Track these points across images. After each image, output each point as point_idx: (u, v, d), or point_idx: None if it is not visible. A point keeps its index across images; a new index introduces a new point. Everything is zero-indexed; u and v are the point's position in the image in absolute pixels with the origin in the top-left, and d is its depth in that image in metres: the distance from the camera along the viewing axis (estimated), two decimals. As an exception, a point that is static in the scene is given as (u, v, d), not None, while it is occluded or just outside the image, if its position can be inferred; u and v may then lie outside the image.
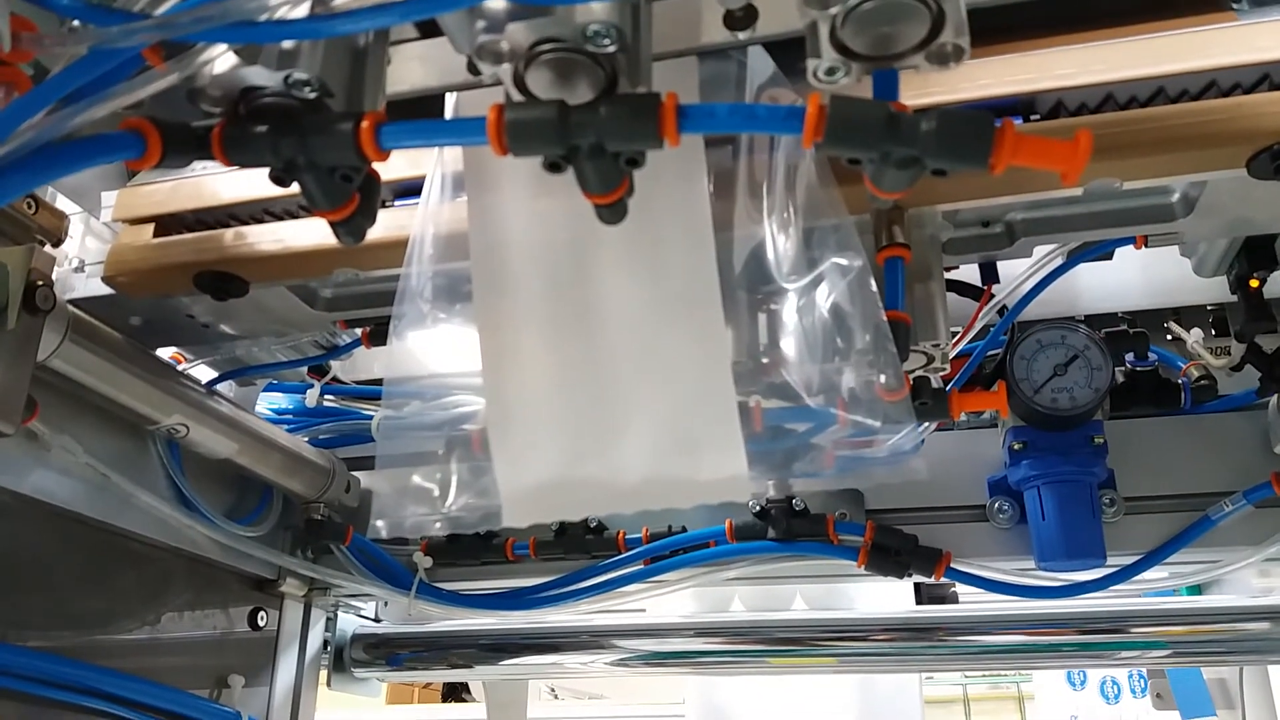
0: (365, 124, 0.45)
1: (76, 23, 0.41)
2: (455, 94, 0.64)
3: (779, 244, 0.68)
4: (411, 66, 0.61)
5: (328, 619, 1.36)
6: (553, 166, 0.46)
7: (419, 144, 0.48)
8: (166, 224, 0.85)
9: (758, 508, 1.08)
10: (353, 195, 0.51)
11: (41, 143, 0.40)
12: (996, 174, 0.43)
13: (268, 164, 0.48)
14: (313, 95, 0.47)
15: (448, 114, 0.64)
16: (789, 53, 0.54)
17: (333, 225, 0.52)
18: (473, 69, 0.47)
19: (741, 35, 0.50)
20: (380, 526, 0.72)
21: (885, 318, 0.68)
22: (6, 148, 0.39)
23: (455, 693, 5.09)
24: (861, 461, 0.81)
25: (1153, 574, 1.07)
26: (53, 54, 0.41)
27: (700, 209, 0.59)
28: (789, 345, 0.74)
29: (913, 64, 0.45)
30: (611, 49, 0.43)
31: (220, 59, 0.43)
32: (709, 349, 0.60)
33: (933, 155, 0.42)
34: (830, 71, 0.44)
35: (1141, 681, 3.43)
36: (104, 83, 0.41)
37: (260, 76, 0.46)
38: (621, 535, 1.15)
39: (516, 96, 0.46)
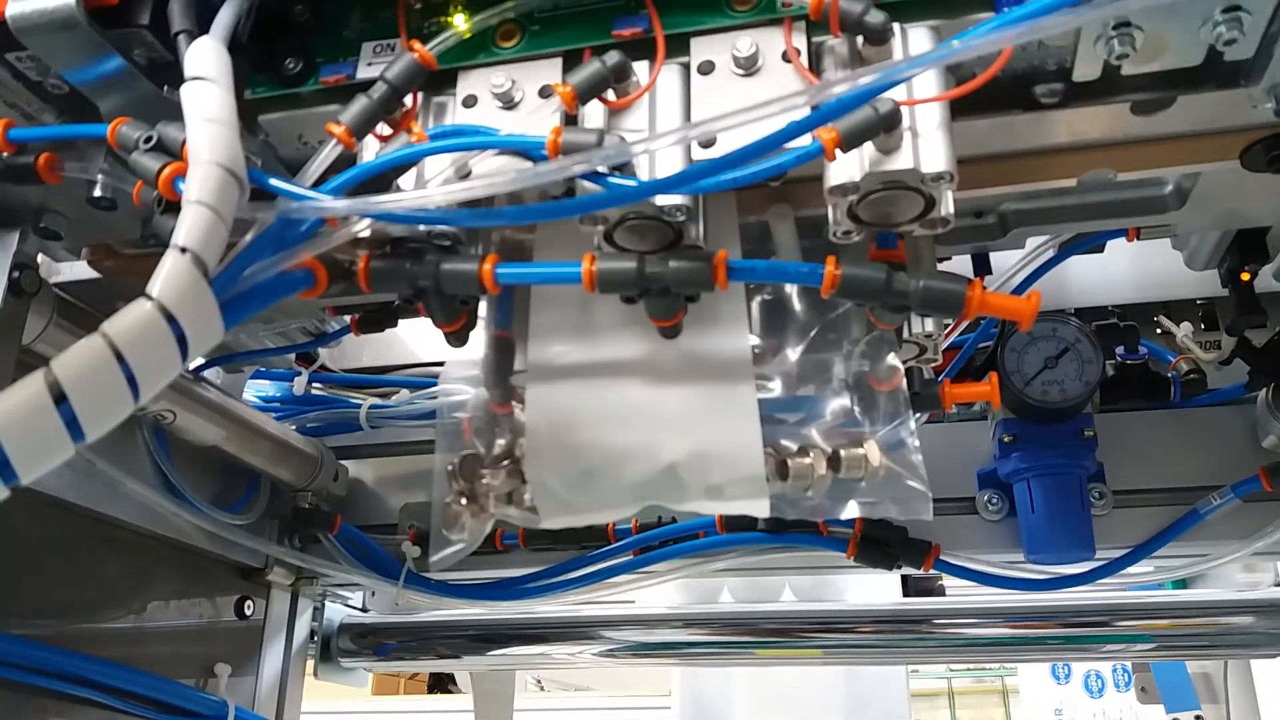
0: (487, 267, 0.56)
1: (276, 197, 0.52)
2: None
3: (774, 232, 0.68)
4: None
5: (315, 608, 1.35)
6: (628, 301, 0.60)
7: (524, 281, 0.62)
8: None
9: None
10: (466, 313, 0.64)
11: (252, 282, 0.51)
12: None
13: (402, 292, 0.59)
14: (448, 244, 0.59)
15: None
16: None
17: (446, 335, 0.66)
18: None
19: (771, 184, 0.64)
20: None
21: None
22: (234, 291, 0.50)
23: (441, 684, 5.09)
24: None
25: (1139, 567, 1.07)
26: (264, 219, 0.52)
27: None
28: (781, 334, 0.74)
29: (909, 229, 0.55)
30: (681, 219, 0.55)
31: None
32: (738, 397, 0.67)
33: (918, 307, 0.56)
34: (845, 233, 0.56)
35: (1125, 675, 3.45)
36: (293, 240, 0.53)
37: (406, 230, 0.58)
38: (611, 526, 1.15)
39: (604, 246, 0.58)
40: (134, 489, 0.96)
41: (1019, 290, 0.92)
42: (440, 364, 0.90)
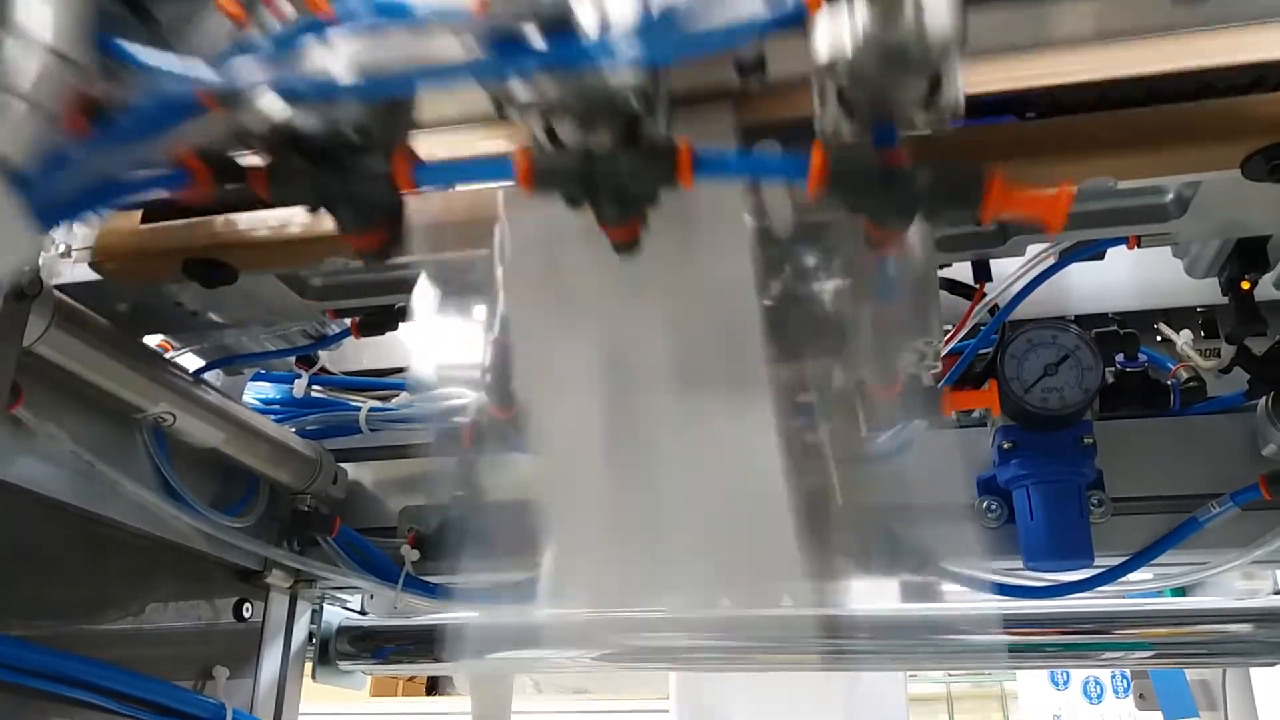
0: (403, 164, 0.48)
1: (138, 71, 0.44)
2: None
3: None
4: (440, 101, 0.61)
5: (313, 611, 1.35)
6: (571, 202, 0.49)
7: (452, 181, 0.52)
8: (155, 209, 0.84)
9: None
10: (384, 226, 0.54)
11: (102, 177, 0.44)
12: (985, 224, 0.44)
13: (308, 201, 0.51)
14: (356, 139, 0.49)
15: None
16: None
17: (362, 253, 0.55)
18: (500, 110, 0.51)
19: (752, 82, 0.52)
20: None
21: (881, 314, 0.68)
22: (72, 185, 0.42)
23: (439, 686, 5.08)
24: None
25: (1138, 575, 1.07)
26: (118, 99, 0.43)
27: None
28: (783, 342, 0.74)
29: (912, 118, 0.47)
30: (636, 105, 0.46)
31: (268, 101, 0.46)
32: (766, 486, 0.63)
33: (927, 206, 0.45)
34: (835, 125, 0.47)
35: (1124, 682, 3.44)
36: (162, 121, 0.44)
37: (305, 121, 0.48)
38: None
39: (542, 138, 0.48)
40: (133, 491, 0.96)
41: (1020, 298, 0.92)
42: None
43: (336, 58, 0.45)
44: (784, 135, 0.57)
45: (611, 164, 0.47)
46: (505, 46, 0.44)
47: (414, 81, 0.47)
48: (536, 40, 0.43)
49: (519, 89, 0.46)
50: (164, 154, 0.45)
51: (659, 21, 0.43)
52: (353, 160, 0.49)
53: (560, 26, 0.43)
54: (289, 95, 0.45)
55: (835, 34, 0.44)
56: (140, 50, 0.44)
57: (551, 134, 0.48)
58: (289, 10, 0.48)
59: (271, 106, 0.46)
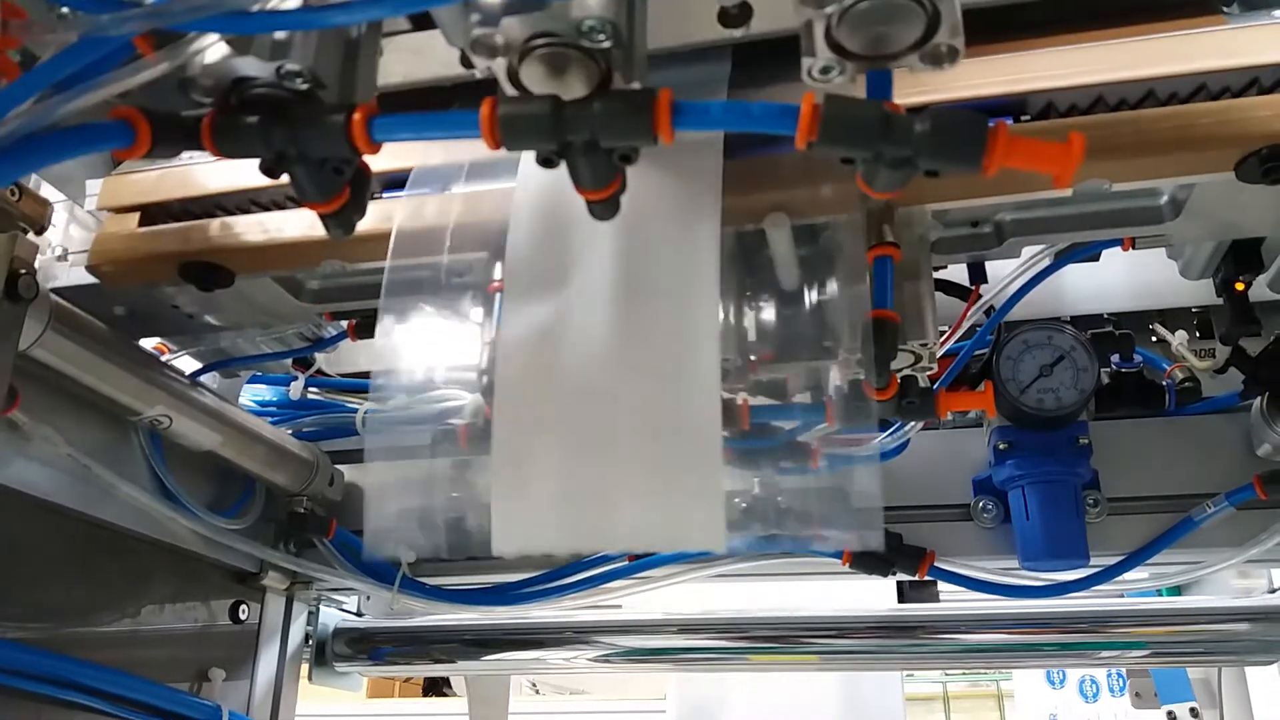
0: (357, 116, 0.45)
1: (66, 10, 0.40)
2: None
3: (770, 241, 0.68)
4: (404, 58, 0.60)
5: (310, 612, 1.35)
6: (545, 162, 0.46)
7: (411, 137, 0.48)
8: (152, 213, 0.84)
9: (744, 505, 1.08)
10: (343, 188, 0.50)
11: (30, 131, 0.40)
12: (989, 175, 0.43)
13: (258, 155, 0.47)
14: (304, 87, 0.46)
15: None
16: (783, 52, 0.54)
17: (322, 218, 0.52)
18: (465, 62, 0.47)
19: (736, 32, 0.49)
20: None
21: (872, 316, 0.68)
22: (10, 131, 0.39)
23: (436, 687, 5.08)
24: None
25: (1134, 574, 1.07)
26: (42, 41, 0.40)
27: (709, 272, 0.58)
28: (777, 343, 0.74)
29: (907, 64, 0.44)
30: (606, 44, 0.42)
31: (211, 49, 0.43)
32: (701, 412, 0.58)
33: (926, 156, 0.42)
34: (825, 70, 0.44)
35: (1120, 680, 3.45)
36: (94, 71, 0.41)
37: (252, 67, 0.45)
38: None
39: (510, 90, 0.45)
40: (129, 493, 0.96)
41: (1015, 299, 0.92)
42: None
43: None
44: (798, 235, 0.58)
45: (584, 112, 0.43)
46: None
47: (362, 9, 0.42)
48: None
49: (478, 31, 0.43)
50: (102, 105, 0.42)
51: None
52: (306, 112, 0.46)
53: None
54: (232, 34, 0.42)
55: None
56: None
57: (519, 85, 0.45)
58: None
59: (204, 46, 0.43)
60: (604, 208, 0.50)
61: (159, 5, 0.38)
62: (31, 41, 0.41)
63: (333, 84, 0.47)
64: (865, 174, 0.47)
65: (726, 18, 0.49)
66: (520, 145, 0.44)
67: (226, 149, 0.47)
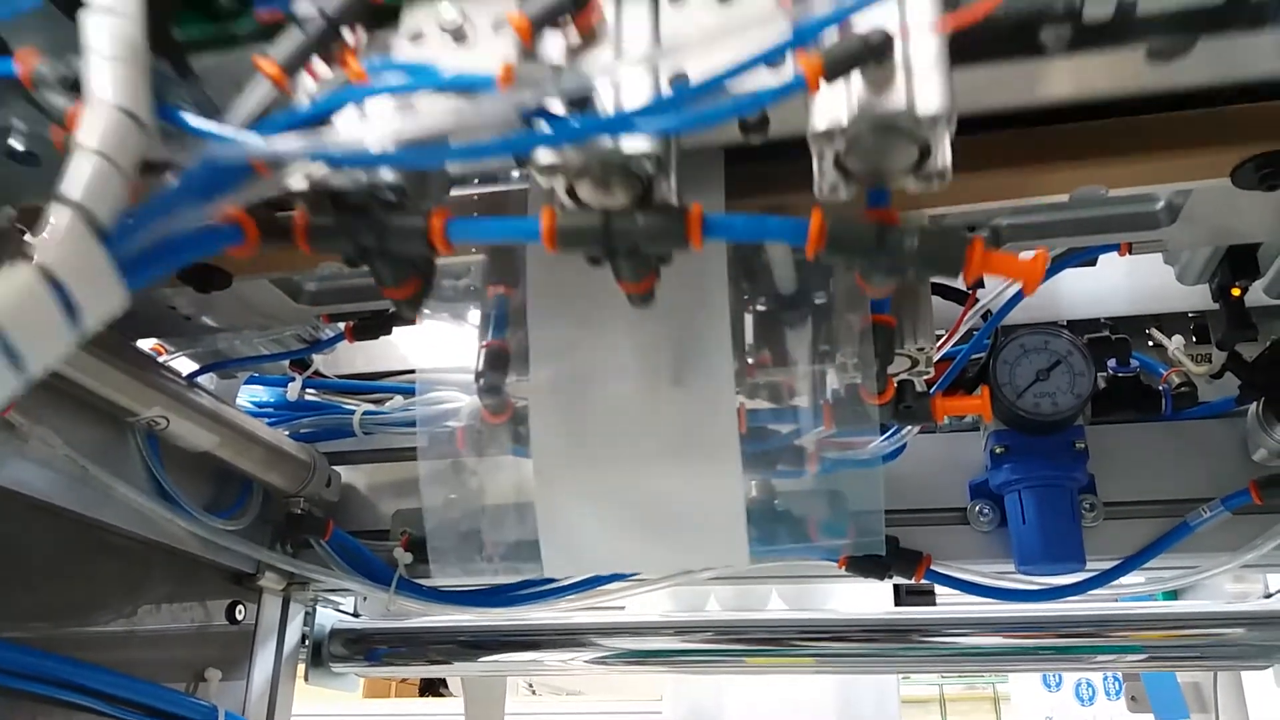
0: (436, 222, 0.50)
1: (203, 139, 0.46)
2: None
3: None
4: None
5: (306, 613, 1.35)
6: (593, 261, 0.54)
7: (481, 240, 0.57)
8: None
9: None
10: (416, 278, 0.58)
11: (165, 236, 0.45)
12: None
13: (345, 252, 0.53)
14: (392, 198, 0.52)
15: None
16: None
17: (396, 303, 0.59)
18: (520, 163, 0.55)
19: (754, 138, 0.55)
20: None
21: (870, 321, 0.68)
22: (141, 244, 0.44)
23: (433, 688, 5.08)
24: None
25: (1130, 579, 1.07)
26: (176, 161, 0.46)
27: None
28: (775, 346, 0.74)
29: (903, 184, 0.49)
30: (650, 169, 0.49)
31: (310, 166, 0.49)
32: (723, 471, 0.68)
33: (914, 266, 0.49)
34: (833, 188, 0.50)
35: (1116, 684, 3.46)
36: (219, 186, 0.47)
37: (346, 180, 0.50)
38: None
39: (565, 201, 0.51)
40: (126, 494, 0.96)
41: (1011, 304, 0.93)
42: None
43: (371, 126, 0.48)
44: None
45: (628, 225, 0.50)
46: (531, 118, 0.47)
47: (444, 156, 0.50)
48: (558, 109, 0.47)
49: (542, 154, 0.49)
50: (216, 213, 0.47)
51: (670, 100, 0.46)
52: (389, 218, 0.51)
53: (581, 103, 0.47)
54: (328, 161, 0.48)
55: (833, 106, 0.47)
56: (194, 118, 0.47)
57: (572, 193, 0.51)
58: (325, 70, 0.52)
59: (313, 170, 0.48)
60: (642, 299, 0.58)
61: (279, 147, 0.45)
62: (173, 165, 0.46)
63: (414, 193, 0.52)
64: (863, 274, 0.55)
65: (746, 127, 0.54)
66: (574, 250, 0.51)
67: (317, 247, 0.52)
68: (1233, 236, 0.80)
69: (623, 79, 0.48)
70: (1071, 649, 1.24)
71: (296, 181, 0.48)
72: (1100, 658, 1.25)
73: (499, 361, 0.74)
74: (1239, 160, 0.64)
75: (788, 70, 0.46)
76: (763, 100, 0.45)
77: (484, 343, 0.74)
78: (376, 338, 1.00)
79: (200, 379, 1.07)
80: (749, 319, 0.76)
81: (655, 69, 0.48)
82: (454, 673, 1.67)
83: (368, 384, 1.31)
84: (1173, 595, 1.32)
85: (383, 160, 0.48)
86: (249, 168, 0.47)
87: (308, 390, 1.26)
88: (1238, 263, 0.84)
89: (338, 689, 1.46)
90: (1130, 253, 0.84)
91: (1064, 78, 0.58)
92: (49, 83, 0.49)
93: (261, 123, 0.48)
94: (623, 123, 0.46)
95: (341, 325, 1.01)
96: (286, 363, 1.20)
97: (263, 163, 0.47)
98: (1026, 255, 0.49)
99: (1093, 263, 0.91)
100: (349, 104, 0.50)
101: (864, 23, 0.46)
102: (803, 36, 0.44)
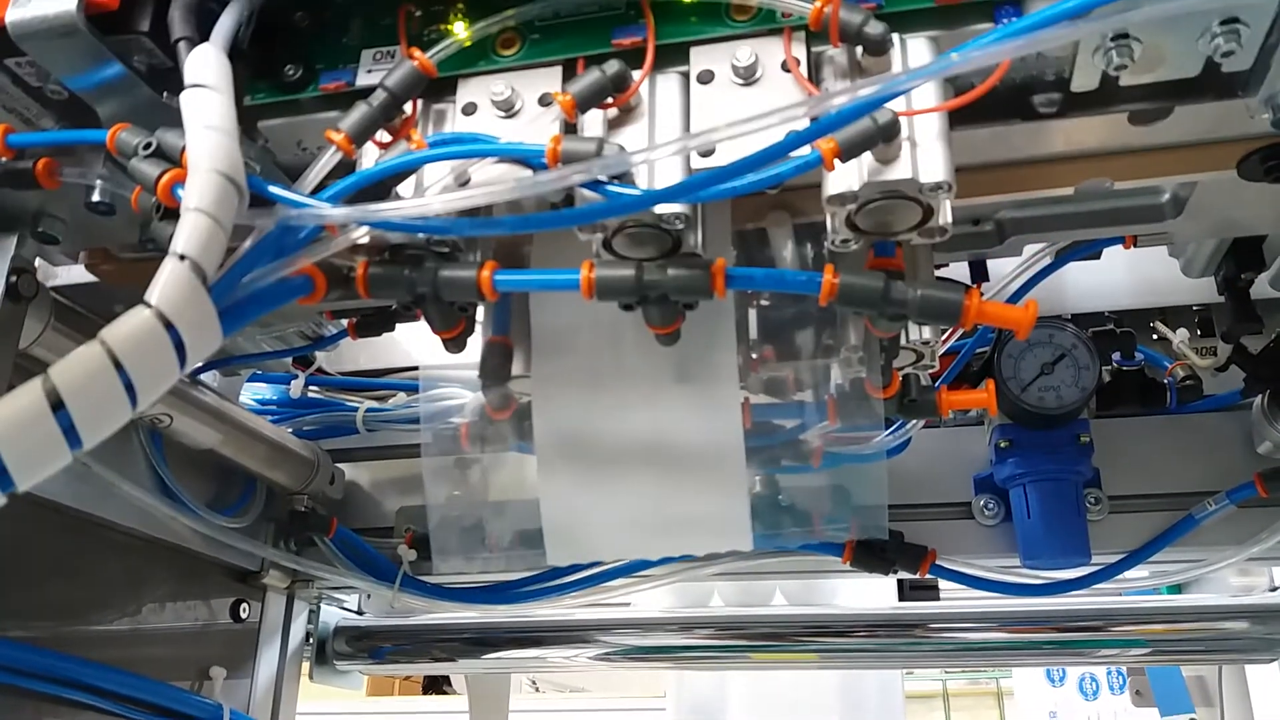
0: (485, 273, 0.56)
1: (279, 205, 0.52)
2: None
3: (772, 239, 0.68)
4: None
5: (310, 611, 1.35)
6: (626, 307, 0.60)
7: (524, 288, 0.61)
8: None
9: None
10: (463, 320, 0.64)
11: (253, 288, 0.52)
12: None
13: (402, 302, 0.60)
14: (446, 250, 0.59)
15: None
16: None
17: (444, 341, 0.66)
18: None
19: (771, 191, 0.62)
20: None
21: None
22: (232, 298, 0.50)
23: (436, 685, 5.09)
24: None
25: (1135, 572, 1.07)
26: (264, 227, 0.52)
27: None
28: (779, 341, 0.74)
29: (908, 239, 0.56)
30: (680, 227, 0.55)
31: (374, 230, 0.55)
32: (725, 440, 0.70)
33: (917, 316, 0.56)
34: (844, 242, 0.56)
35: (1120, 678, 3.46)
36: (294, 245, 0.54)
37: (404, 237, 0.57)
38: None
39: (601, 252, 0.57)
40: (130, 492, 0.96)
41: (1016, 296, 0.92)
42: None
43: (433, 196, 0.55)
44: (798, 232, 0.69)
45: (659, 274, 0.56)
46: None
47: (504, 228, 0.56)
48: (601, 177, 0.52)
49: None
50: (293, 268, 0.53)
51: (702, 179, 0.51)
52: (442, 269, 0.57)
53: (620, 178, 0.52)
54: (390, 228, 0.54)
55: (846, 176, 0.52)
56: (276, 188, 0.52)
57: (608, 245, 0.57)
58: (386, 136, 0.59)
59: (377, 231, 0.55)
60: (668, 339, 0.63)
61: (348, 212, 0.52)
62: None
63: (466, 245, 0.62)
64: (871, 320, 0.62)
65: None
66: (609, 298, 0.57)
67: (377, 296, 0.58)
68: (1238, 229, 0.79)
69: (657, 160, 0.55)
70: (1075, 643, 1.24)
71: (360, 237, 0.54)
72: (1104, 652, 1.25)
73: (502, 357, 0.74)
74: (1245, 152, 0.64)
75: (806, 148, 0.50)
76: (784, 176, 0.50)
77: (487, 338, 0.74)
78: (379, 334, 0.99)
79: (203, 376, 1.07)
80: (753, 314, 0.75)
81: (687, 152, 0.55)
82: (458, 670, 1.67)
83: (371, 381, 1.31)
84: (1177, 589, 1.32)
85: (440, 228, 0.54)
86: (320, 228, 0.53)
87: (311, 387, 1.26)
88: (1243, 255, 0.84)
89: (342, 687, 1.46)
90: (1135, 245, 0.84)
91: (1056, 137, 0.63)
92: (129, 148, 0.55)
93: (330, 187, 0.54)
94: (661, 197, 0.52)
95: (344, 322, 1.01)
96: (289, 360, 1.19)
97: (335, 227, 0.53)
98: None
99: (1097, 256, 0.91)
100: (410, 168, 0.57)
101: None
102: (822, 130, 0.49)
